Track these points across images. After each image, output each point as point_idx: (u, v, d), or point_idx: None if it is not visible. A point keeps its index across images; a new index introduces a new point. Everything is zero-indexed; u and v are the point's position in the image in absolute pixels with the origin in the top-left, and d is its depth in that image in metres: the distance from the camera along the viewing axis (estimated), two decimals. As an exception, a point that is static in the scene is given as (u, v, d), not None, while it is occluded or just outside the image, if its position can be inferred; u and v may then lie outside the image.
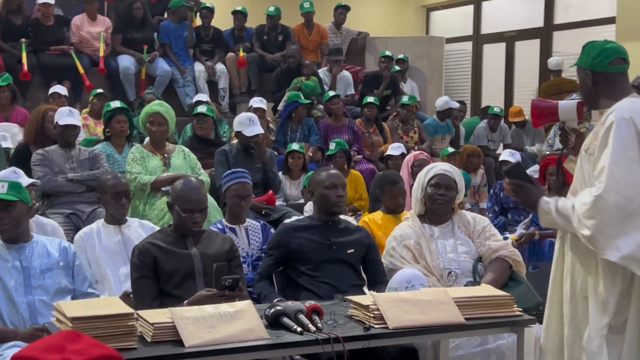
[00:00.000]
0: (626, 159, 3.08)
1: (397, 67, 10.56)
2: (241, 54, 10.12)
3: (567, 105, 3.59)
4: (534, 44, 12.88)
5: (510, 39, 13.36)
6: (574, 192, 3.35)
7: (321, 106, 9.40)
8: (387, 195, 5.43)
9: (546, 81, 11.13)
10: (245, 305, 3.27)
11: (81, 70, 9.01)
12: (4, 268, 3.72)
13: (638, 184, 3.08)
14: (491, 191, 7.97)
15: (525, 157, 9.37)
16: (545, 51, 12.65)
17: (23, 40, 8.93)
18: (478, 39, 14.01)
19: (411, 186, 5.26)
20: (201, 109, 7.30)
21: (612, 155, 3.09)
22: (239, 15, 10.56)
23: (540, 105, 3.67)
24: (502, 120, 10.18)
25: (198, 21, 10.64)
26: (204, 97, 8.75)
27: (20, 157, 5.94)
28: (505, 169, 3.54)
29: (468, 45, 14.12)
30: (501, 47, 13.49)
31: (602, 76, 3.28)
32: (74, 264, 3.94)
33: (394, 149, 7.97)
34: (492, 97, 13.32)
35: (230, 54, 10.17)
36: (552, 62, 11.21)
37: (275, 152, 7.78)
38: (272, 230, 4.93)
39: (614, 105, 3.20)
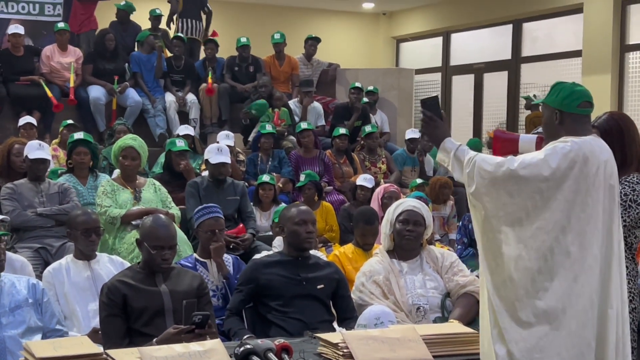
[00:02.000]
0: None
1: (366, 99, 10.65)
2: (209, 79, 10.12)
3: (528, 138, 3.68)
4: (502, 76, 13.07)
5: (478, 70, 13.54)
6: None
7: (292, 137, 9.45)
8: (359, 232, 5.46)
9: (517, 112, 11.28)
10: (215, 344, 3.27)
11: (49, 94, 8.98)
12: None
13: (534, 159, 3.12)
14: (460, 222, 8.04)
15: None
16: (514, 83, 12.84)
17: (-8, 70, 8.92)
18: (447, 71, 14.19)
19: (381, 219, 5.32)
20: (179, 143, 7.27)
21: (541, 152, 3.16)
22: (211, 45, 10.61)
23: (502, 136, 3.77)
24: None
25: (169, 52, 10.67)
26: (189, 129, 8.71)
27: (-12, 191, 5.90)
28: (422, 99, 3.53)
29: (437, 77, 14.29)
30: (469, 78, 13.67)
31: (569, 116, 3.35)
32: (43, 300, 3.92)
33: (366, 180, 8.00)
34: (461, 127, 13.47)
35: (203, 85, 10.20)
36: (538, 96, 11.36)
37: (246, 184, 7.81)
38: (244, 264, 4.94)
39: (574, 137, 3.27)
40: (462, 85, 13.82)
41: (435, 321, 4.23)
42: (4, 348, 3.67)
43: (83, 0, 10.26)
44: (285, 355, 3.31)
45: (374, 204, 7.23)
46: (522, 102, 11.76)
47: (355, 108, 10.15)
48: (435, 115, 3.39)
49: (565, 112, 3.35)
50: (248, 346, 3.32)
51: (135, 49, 10.46)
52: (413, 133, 9.86)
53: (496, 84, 13.17)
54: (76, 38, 10.11)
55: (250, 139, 9.56)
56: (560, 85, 3.41)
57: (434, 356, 3.43)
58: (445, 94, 14.12)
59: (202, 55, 10.85)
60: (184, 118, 9.90)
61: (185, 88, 10.17)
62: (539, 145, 3.62)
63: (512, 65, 12.96)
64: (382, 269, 4.41)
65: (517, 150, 3.69)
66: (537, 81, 12.40)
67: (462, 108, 13.80)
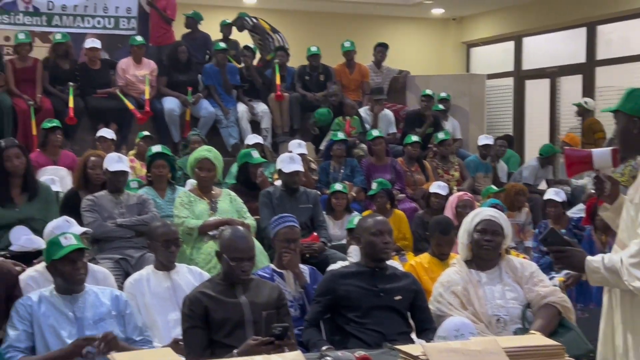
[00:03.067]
0: None
1: (440, 106, 10.59)
2: (278, 82, 10.16)
3: (601, 153, 3.58)
4: (577, 80, 12.83)
5: (552, 74, 13.32)
6: (620, 243, 3.32)
7: (363, 145, 9.45)
8: (435, 242, 5.43)
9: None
10: (296, 355, 3.29)
11: (130, 107, 9.17)
12: (58, 319, 3.80)
13: None
14: (537, 230, 7.91)
15: (575, 191, 9.32)
16: (589, 86, 12.59)
17: (71, 84, 9.14)
18: (519, 75, 13.99)
19: (455, 227, 5.28)
20: (256, 155, 7.32)
21: None
22: (281, 53, 10.68)
23: (574, 154, 3.67)
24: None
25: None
26: (258, 139, 8.80)
27: (70, 203, 6.04)
28: (541, 238, 3.51)
29: (509, 81, 14.10)
30: (544, 82, 13.45)
31: None
32: (126, 312, 4.00)
33: (440, 187, 7.90)
34: (536, 133, 13.26)
35: (272, 94, 10.27)
36: (590, 102, 11.18)
37: (319, 192, 7.83)
38: (321, 275, 4.96)
39: None
40: (536, 90, 13.60)
41: (515, 332, 4.17)
42: (89, 360, 3.74)
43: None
44: (366, 368, 3.31)
45: (448, 213, 7.16)
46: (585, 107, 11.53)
47: (426, 116, 10.10)
48: (561, 245, 3.36)
49: None
50: (328, 358, 3.34)
51: (206, 58, 10.63)
52: (486, 139, 9.76)
53: (571, 88, 12.93)
54: (154, 50, 10.30)
55: (321, 147, 9.59)
56: (638, 92, 3.32)
57: (516, 369, 3.39)
58: (518, 98, 13.92)
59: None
60: (256, 128, 9.99)
61: (257, 98, 10.25)
62: (614, 158, 3.53)
63: (587, 69, 12.71)
64: (460, 279, 4.37)
65: (592, 167, 3.60)
66: (612, 84, 12.13)
67: (536, 113, 13.57)
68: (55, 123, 7.93)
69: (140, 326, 4.12)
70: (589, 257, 3.28)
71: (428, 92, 10.34)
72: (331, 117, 9.67)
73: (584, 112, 10.98)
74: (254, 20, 11.37)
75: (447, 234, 5.44)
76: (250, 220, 6.15)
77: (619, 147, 3.47)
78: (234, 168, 7.96)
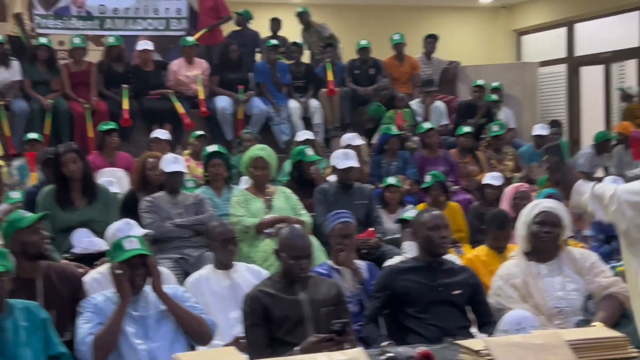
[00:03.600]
0: None
1: (493, 96, 10.49)
2: (330, 78, 10.18)
3: None
4: (631, 65, 12.60)
5: (606, 60, 13.09)
6: None
7: (416, 138, 9.42)
8: (492, 236, 5.40)
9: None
10: (357, 353, 3.30)
11: (181, 110, 9.29)
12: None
13: None
14: (594, 219, 7.79)
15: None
16: (644, 72, 12.36)
17: (125, 86, 9.29)
18: (572, 61, 13.79)
19: (512, 219, 5.24)
20: (309, 152, 7.34)
21: None
22: (330, 49, 10.69)
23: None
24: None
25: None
26: (308, 134, 8.83)
27: (128, 205, 6.14)
28: (546, 146, 3.52)
29: (562, 68, 13.90)
30: (598, 68, 13.23)
31: None
32: (186, 305, 4.04)
33: (494, 178, 7.82)
34: (592, 120, 13.06)
35: (323, 89, 10.30)
36: (633, 88, 11.02)
37: (373, 187, 7.82)
38: (378, 270, 4.97)
39: None
40: (591, 76, 13.37)
41: (577, 324, 4.13)
42: (154, 357, 3.81)
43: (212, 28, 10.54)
44: (428, 363, 3.32)
45: (504, 204, 7.09)
46: (627, 92, 11.33)
47: (479, 106, 10.03)
48: (560, 159, 3.36)
49: None
50: (390, 354, 3.36)
51: (255, 56, 10.70)
52: (541, 129, 9.65)
53: (625, 73, 12.70)
54: (204, 50, 10.40)
55: (373, 141, 9.58)
56: None
57: (580, 362, 3.36)
58: (572, 85, 13.71)
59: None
60: (308, 124, 10.02)
61: (307, 93, 10.30)
62: None
63: (641, 53, 12.48)
64: (519, 272, 4.34)
65: None
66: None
67: (591, 99, 13.35)
68: (112, 125, 8.07)
69: (205, 313, 4.15)
70: (581, 180, 3.25)
71: (480, 82, 10.25)
72: (383, 111, 9.65)
73: (626, 97, 10.80)
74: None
75: (503, 228, 5.40)
76: (306, 217, 6.19)
77: None
78: (287, 165, 8.00)
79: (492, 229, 5.44)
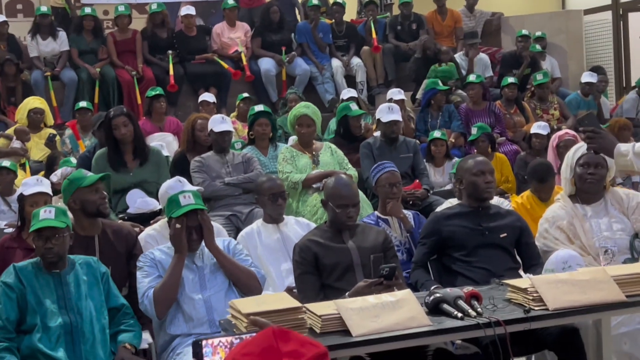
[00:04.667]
0: None
1: (537, 46, 10.39)
2: (374, 35, 10.17)
3: None
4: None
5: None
6: None
7: (460, 91, 9.41)
8: (534, 188, 5.43)
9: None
10: (406, 294, 3.39)
11: (225, 66, 9.39)
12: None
13: None
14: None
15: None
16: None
17: (170, 52, 9.41)
18: (618, 8, 13.52)
19: (558, 167, 5.24)
20: (354, 107, 7.39)
21: None
22: (371, 7, 10.68)
23: None
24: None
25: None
26: (352, 92, 8.87)
27: (178, 166, 6.28)
28: (578, 118, 3.58)
29: (608, 15, 13.64)
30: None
31: None
32: (238, 257, 4.17)
33: (541, 127, 7.79)
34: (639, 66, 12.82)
35: (365, 47, 10.31)
36: None
37: (418, 141, 7.86)
38: (424, 219, 5.03)
39: None
40: (638, 22, 13.09)
41: (625, 263, 4.15)
42: (210, 307, 3.94)
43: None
44: (475, 302, 3.39)
45: (550, 153, 7.09)
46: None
47: (523, 57, 9.96)
48: (596, 128, 3.38)
49: None
50: (438, 295, 3.42)
51: (297, 16, 10.74)
52: (590, 77, 9.56)
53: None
54: (245, 13, 10.47)
55: (418, 96, 9.60)
56: None
57: (626, 296, 3.40)
58: (618, 32, 13.45)
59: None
60: (351, 82, 10.06)
61: (349, 52, 10.32)
62: None
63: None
64: (565, 214, 4.37)
65: None
66: None
67: (638, 46, 13.09)
68: (159, 91, 8.21)
69: (254, 265, 4.26)
70: (620, 143, 3.27)
71: (524, 32, 10.17)
72: (454, 72, 9.62)
73: None
74: None
75: (544, 182, 5.40)
76: (352, 171, 6.27)
77: None
78: (333, 124, 8.07)
79: (533, 181, 5.45)
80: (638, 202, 4.37)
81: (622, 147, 3.27)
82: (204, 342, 1.77)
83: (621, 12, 13.35)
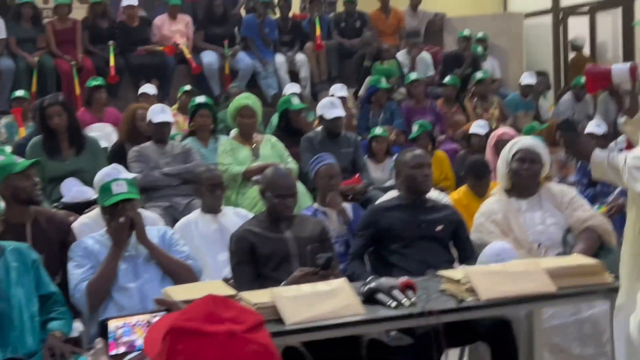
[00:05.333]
0: None
1: (478, 47, 10.51)
2: (317, 32, 10.19)
3: (620, 69, 3.62)
4: (616, 14, 12.60)
5: (591, 10, 13.09)
6: None
7: (402, 89, 9.47)
8: (470, 183, 5.51)
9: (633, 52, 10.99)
10: (341, 282, 3.40)
11: (188, 55, 9.23)
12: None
13: None
14: (579, 163, 7.89)
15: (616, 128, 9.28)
16: (628, 20, 12.35)
17: (111, 42, 9.28)
18: (558, 12, 13.77)
19: (495, 164, 5.31)
20: (295, 101, 7.39)
21: None
22: (316, 3, 10.67)
23: (594, 71, 3.72)
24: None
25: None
26: (295, 87, 8.87)
27: (116, 156, 6.20)
28: (557, 123, 3.65)
29: (548, 19, 13.89)
30: (584, 19, 13.22)
31: None
32: (173, 247, 4.12)
33: (480, 126, 7.92)
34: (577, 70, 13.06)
35: (309, 43, 10.31)
36: (579, 39, 11.31)
37: (359, 137, 7.89)
38: (363, 211, 5.05)
39: None
40: (576, 27, 13.37)
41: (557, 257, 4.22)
42: (144, 296, 3.88)
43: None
44: (410, 292, 3.41)
45: (488, 151, 7.18)
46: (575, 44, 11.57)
47: (464, 57, 10.07)
48: (574, 134, 3.43)
49: None
50: (373, 285, 3.44)
51: (242, 10, 10.69)
52: (529, 78, 9.71)
53: (610, 23, 12.70)
54: (189, 6, 10.37)
55: (360, 93, 9.63)
56: None
57: (557, 288, 3.46)
58: (557, 36, 13.71)
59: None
60: (295, 78, 10.05)
61: (294, 48, 10.31)
62: (633, 74, 3.57)
63: (626, 2, 12.47)
64: (500, 208, 4.43)
65: (611, 83, 3.65)
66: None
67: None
68: (100, 81, 8.09)
69: (189, 253, 4.22)
70: (597, 150, 3.33)
71: (465, 33, 10.28)
72: (396, 70, 9.69)
73: (575, 48, 11.09)
74: None
75: (481, 178, 5.48)
76: (292, 164, 6.26)
77: None
78: (275, 119, 8.05)
79: (470, 178, 5.52)
80: (571, 198, 4.45)
81: (597, 156, 3.32)
82: (109, 323, 1.76)
83: (561, 16, 13.60)
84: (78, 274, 3.89)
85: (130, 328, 1.82)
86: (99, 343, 1.70)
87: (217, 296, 1.62)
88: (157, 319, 1.88)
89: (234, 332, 1.55)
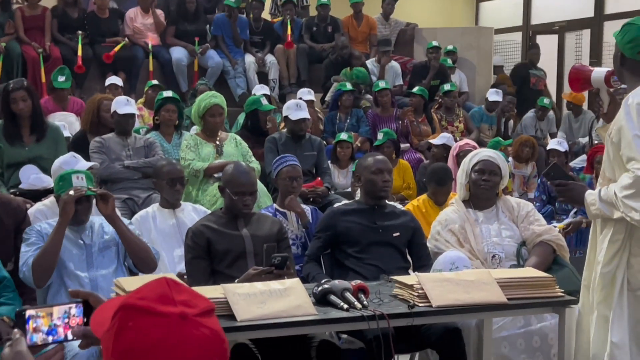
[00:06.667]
0: None
1: (447, 60, 10.60)
2: (289, 31, 10.20)
3: (599, 73, 3.69)
4: (585, 35, 12.79)
5: (560, 29, 13.27)
6: (602, 176, 3.41)
7: (369, 96, 9.51)
8: (432, 191, 5.56)
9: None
10: (294, 282, 3.41)
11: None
12: (67, 244, 3.92)
13: None
14: (539, 180, 8.00)
15: (576, 148, 9.44)
16: (596, 41, 12.55)
17: (79, 32, 9.21)
18: (527, 30, 13.95)
19: (454, 177, 5.36)
20: (265, 102, 7.39)
21: (632, 131, 3.15)
22: (289, 6, 10.70)
23: (579, 70, 3.79)
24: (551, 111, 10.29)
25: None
26: (265, 89, 8.87)
27: (77, 145, 6.14)
28: (544, 172, 3.64)
29: (518, 36, 14.06)
30: (553, 38, 13.40)
31: (629, 61, 3.34)
32: None
33: (440, 138, 8.00)
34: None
35: (280, 45, 10.32)
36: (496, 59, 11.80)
37: (324, 142, 7.91)
38: (322, 214, 5.06)
39: (633, 91, 3.26)
40: (545, 45, 13.54)
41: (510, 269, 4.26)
42: (96, 286, 3.87)
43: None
44: (362, 295, 3.42)
45: (450, 161, 7.24)
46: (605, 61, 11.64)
47: (432, 67, 10.14)
48: (563, 179, 3.46)
49: (626, 57, 3.33)
50: (326, 286, 3.45)
51: (216, 9, 10.67)
52: (495, 95, 9.82)
53: (578, 44, 12.89)
54: (162, 0, 10.33)
55: (327, 98, 9.66)
56: (629, 27, 3.36)
57: (508, 299, 3.49)
58: (527, 53, 13.88)
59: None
60: (264, 79, 10.05)
61: (264, 49, 10.31)
62: (608, 80, 3.64)
63: (595, 24, 12.66)
64: (457, 218, 4.46)
65: (591, 85, 3.74)
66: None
67: (545, 68, 13.54)
68: (66, 84, 7.87)
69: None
70: (588, 191, 3.38)
71: (435, 43, 10.35)
72: (367, 76, 9.75)
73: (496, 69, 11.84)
74: None
75: (443, 185, 5.52)
76: (255, 164, 6.25)
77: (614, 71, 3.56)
78: (241, 118, 8.04)
79: (431, 185, 5.56)
80: (528, 212, 4.49)
81: (589, 197, 3.35)
82: (27, 312, 1.76)
83: (531, 34, 13.78)
84: (28, 251, 3.87)
85: (49, 318, 1.80)
86: (16, 334, 1.68)
87: (170, 279, 1.62)
88: (75, 310, 1.88)
89: (186, 315, 1.55)
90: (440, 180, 5.54)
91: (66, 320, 1.87)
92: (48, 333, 1.82)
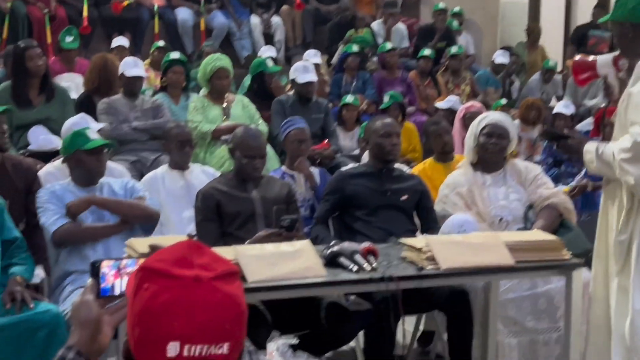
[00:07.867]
0: None
1: (454, 22, 10.53)
2: None
3: (604, 60, 3.66)
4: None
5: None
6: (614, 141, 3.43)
7: (375, 59, 9.48)
8: (433, 137, 5.50)
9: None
10: (304, 244, 3.44)
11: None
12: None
13: None
14: (545, 143, 8.00)
15: (582, 111, 9.41)
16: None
17: (85, -7, 9.17)
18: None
19: (463, 138, 5.35)
20: (270, 64, 7.39)
21: None
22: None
23: (580, 62, 3.77)
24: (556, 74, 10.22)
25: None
26: (271, 51, 8.83)
27: (83, 106, 6.14)
28: (540, 133, 3.71)
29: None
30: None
31: None
32: (134, 193, 4.14)
33: (446, 102, 7.97)
34: (551, 49, 13.13)
35: (286, 6, 10.26)
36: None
37: (330, 104, 7.90)
38: (330, 176, 5.08)
39: None
40: (552, 4, 13.42)
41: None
42: (108, 248, 3.90)
43: None
44: (371, 258, 3.46)
45: (456, 124, 7.23)
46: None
47: (438, 29, 10.09)
48: (561, 137, 3.48)
49: (637, 23, 3.29)
50: (335, 248, 3.48)
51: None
52: (502, 57, 9.77)
53: (586, 3, 12.76)
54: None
55: (333, 61, 9.63)
56: None
57: (516, 262, 3.53)
58: (533, 14, 13.75)
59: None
60: (269, 40, 10.01)
61: (270, 10, 10.26)
62: (616, 65, 3.61)
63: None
64: (465, 181, 4.48)
65: (597, 74, 3.70)
66: None
67: (550, 30, 13.42)
68: (74, 45, 7.83)
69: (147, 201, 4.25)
70: (587, 145, 3.39)
71: (441, 5, 10.29)
72: (370, 39, 9.68)
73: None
74: None
75: (438, 123, 5.54)
76: (263, 126, 6.26)
77: (621, 54, 3.54)
78: (247, 80, 8.02)
79: (429, 129, 5.59)
80: (535, 175, 4.51)
81: (587, 152, 3.36)
82: (104, 263, 1.76)
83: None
84: (50, 213, 3.91)
85: (121, 270, 1.81)
86: (90, 282, 1.71)
87: (193, 241, 1.62)
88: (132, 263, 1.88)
89: (200, 278, 1.53)
90: (433, 121, 5.67)
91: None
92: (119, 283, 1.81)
